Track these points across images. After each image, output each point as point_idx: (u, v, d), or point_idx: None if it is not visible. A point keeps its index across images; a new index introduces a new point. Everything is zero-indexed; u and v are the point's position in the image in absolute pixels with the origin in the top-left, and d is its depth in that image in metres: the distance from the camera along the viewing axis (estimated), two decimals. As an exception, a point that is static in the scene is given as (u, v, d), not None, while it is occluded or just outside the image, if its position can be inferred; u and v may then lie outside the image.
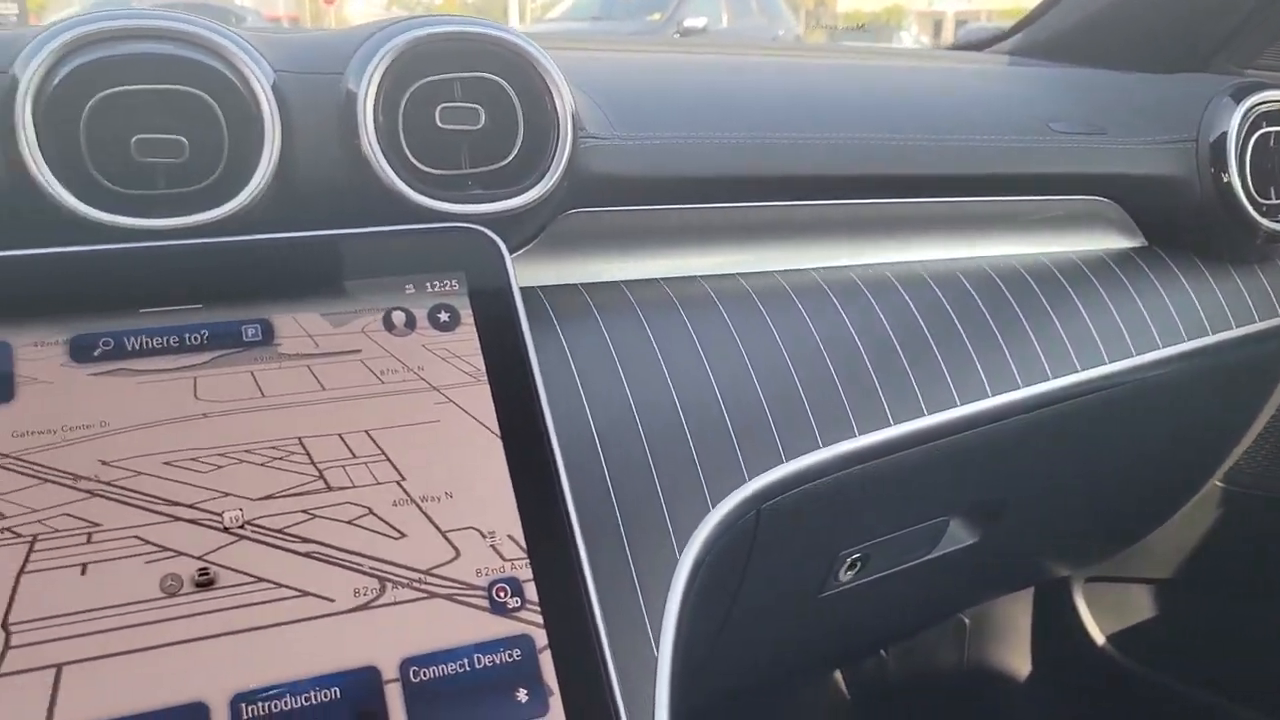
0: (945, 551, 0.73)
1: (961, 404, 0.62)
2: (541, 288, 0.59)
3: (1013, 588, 1.05)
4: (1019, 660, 1.12)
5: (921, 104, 0.71)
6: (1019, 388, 0.64)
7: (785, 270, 0.66)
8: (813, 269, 0.66)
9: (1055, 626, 1.09)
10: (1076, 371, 0.67)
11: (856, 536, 0.66)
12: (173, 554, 0.41)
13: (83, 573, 0.40)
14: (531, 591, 0.45)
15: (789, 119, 0.66)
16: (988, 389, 0.63)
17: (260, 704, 0.40)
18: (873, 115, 0.68)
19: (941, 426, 0.62)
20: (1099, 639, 1.05)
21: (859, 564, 0.68)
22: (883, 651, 1.25)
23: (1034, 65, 0.93)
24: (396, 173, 0.52)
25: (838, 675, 1.31)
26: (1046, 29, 1.01)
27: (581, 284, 0.61)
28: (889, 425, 0.60)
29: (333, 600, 0.42)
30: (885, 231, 0.69)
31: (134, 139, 0.48)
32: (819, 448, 0.58)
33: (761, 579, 0.61)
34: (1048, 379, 0.66)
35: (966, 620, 1.14)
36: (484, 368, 0.49)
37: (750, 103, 0.67)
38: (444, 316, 0.49)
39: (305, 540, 0.43)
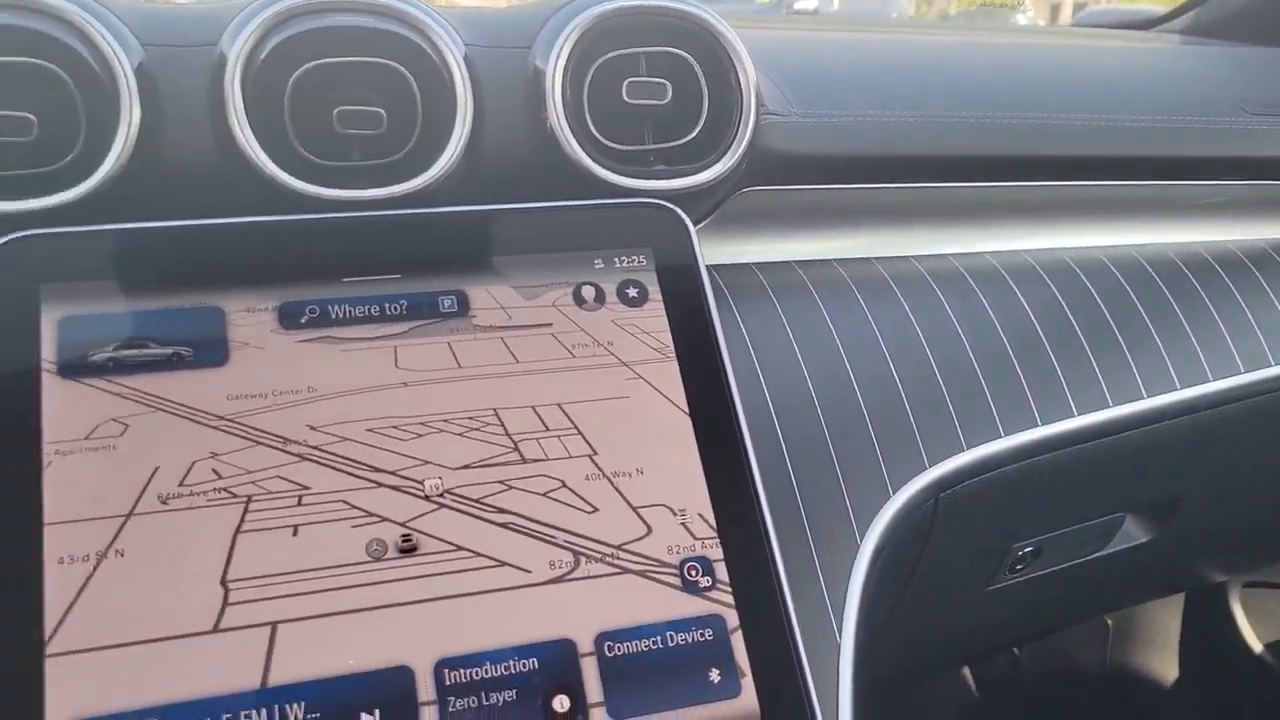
0: (1116, 549, 0.71)
1: (1148, 396, 0.60)
2: (715, 266, 0.59)
3: (1173, 590, 1.01)
4: (1165, 665, 1.08)
5: (1111, 83, 0.68)
6: (1208, 380, 0.61)
7: (959, 254, 0.64)
8: (988, 252, 0.64)
9: (1207, 632, 1.04)
10: (1271, 365, 0.63)
11: (1031, 529, 0.64)
12: (377, 519, 0.42)
13: (294, 534, 0.41)
14: (722, 571, 0.44)
15: (966, 98, 0.63)
16: (1175, 380, 0.61)
17: (462, 671, 0.40)
18: (1058, 94, 0.65)
19: (1126, 419, 0.59)
20: (1256, 646, 1.00)
21: (1029, 558, 0.66)
22: (1015, 649, 1.22)
23: (1214, 44, 0.88)
24: (582, 147, 0.52)
25: (965, 671, 1.28)
26: (1218, 8, 0.96)
27: (754, 263, 0.60)
28: (1072, 416, 0.58)
29: (529, 571, 0.43)
30: (1063, 215, 0.67)
31: (336, 111, 0.49)
32: (1000, 436, 0.56)
33: (933, 570, 0.60)
34: (1239, 371, 0.62)
35: (1110, 621, 1.10)
36: (672, 344, 0.48)
37: (926, 81, 0.65)
38: (632, 292, 0.49)
39: (502, 511, 0.43)
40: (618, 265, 0.50)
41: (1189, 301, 0.64)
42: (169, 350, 0.43)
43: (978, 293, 0.61)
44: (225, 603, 0.39)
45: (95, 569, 0.39)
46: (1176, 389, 0.60)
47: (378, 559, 0.41)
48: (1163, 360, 0.61)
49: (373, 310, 0.46)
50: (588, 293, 0.49)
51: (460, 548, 0.42)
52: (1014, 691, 1.24)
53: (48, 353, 0.42)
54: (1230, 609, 1.01)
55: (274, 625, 0.39)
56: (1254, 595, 1.01)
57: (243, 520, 0.41)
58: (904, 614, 0.62)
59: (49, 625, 0.38)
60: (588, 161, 0.52)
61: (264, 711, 0.38)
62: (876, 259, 0.62)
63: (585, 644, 0.42)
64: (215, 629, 0.39)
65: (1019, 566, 0.66)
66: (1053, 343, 0.59)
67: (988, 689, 1.26)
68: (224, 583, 0.40)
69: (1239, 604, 1.01)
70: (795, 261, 0.61)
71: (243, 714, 0.38)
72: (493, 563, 0.42)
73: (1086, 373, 0.59)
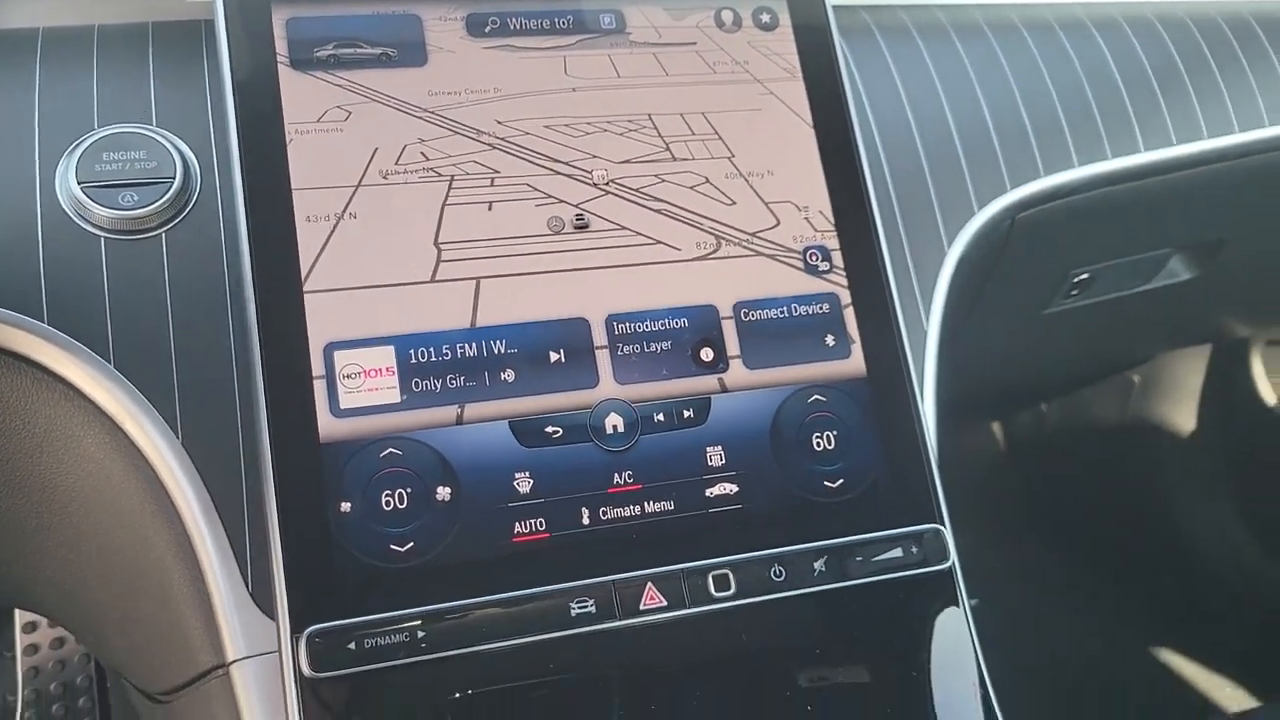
0: (1159, 284, 0.79)
1: (1209, 136, 0.66)
2: (826, 5, 0.64)
3: (1203, 339, 1.10)
4: (1184, 417, 1.17)
5: None
6: (1264, 125, 0.68)
7: (1051, 4, 0.69)
8: (1078, 3, 0.69)
9: (1226, 387, 1.13)
10: None
11: (1088, 256, 0.72)
12: (555, 200, 0.50)
13: (489, 209, 0.49)
14: (838, 259, 0.53)
15: None
16: (1235, 124, 0.67)
17: (628, 324, 0.49)
18: None
19: (1187, 158, 0.66)
20: (1270, 399, 1.09)
21: (1083, 285, 0.74)
22: (1042, 405, 1.32)
23: None
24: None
25: (994, 425, 1.38)
26: None
27: (861, 5, 0.66)
28: (1139, 151, 0.64)
29: (679, 249, 0.51)
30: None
31: None
32: (1074, 166, 0.63)
33: (1002, 285, 0.68)
34: (1297, 120, 0.69)
35: (1135, 378, 1.20)
36: (799, 66, 0.55)
37: None
38: (765, 18, 0.55)
39: (657, 199, 0.51)
40: (753, -7, 0.56)
41: (1253, 49, 0.69)
42: (378, 50, 0.50)
43: (1063, 40, 0.66)
44: (439, 260, 0.48)
45: (334, 228, 0.47)
46: (1235, 131, 0.67)
47: (557, 233, 0.50)
48: (1225, 104, 0.67)
49: (545, 24, 0.53)
50: (726, 16, 0.55)
51: (623, 227, 0.51)
52: (1038, 444, 1.35)
53: (281, 48, 0.49)
54: (1250, 364, 1.10)
55: (478, 280, 0.48)
56: (1275, 352, 1.09)
57: (448, 195, 0.49)
58: (972, 329, 0.70)
59: (304, 268, 0.46)
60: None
61: (474, 345, 0.47)
62: (973, 5, 0.67)
63: (725, 309, 0.51)
64: (432, 280, 0.48)
65: (1073, 292, 0.74)
66: (1128, 86, 0.65)
67: (1013, 441, 1.37)
68: (436, 244, 0.48)
69: (1259, 359, 1.09)
70: (899, 6, 0.66)
71: (458, 346, 0.47)
72: (650, 240, 0.51)
73: (1155, 113, 0.65)
